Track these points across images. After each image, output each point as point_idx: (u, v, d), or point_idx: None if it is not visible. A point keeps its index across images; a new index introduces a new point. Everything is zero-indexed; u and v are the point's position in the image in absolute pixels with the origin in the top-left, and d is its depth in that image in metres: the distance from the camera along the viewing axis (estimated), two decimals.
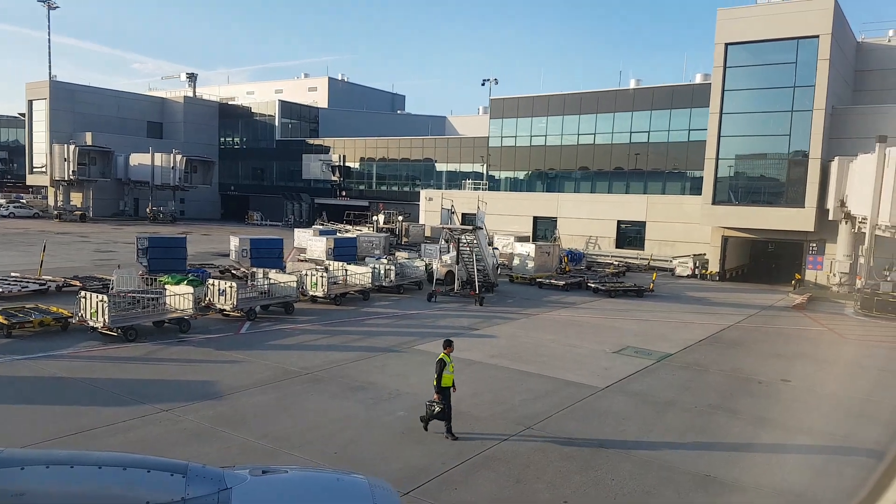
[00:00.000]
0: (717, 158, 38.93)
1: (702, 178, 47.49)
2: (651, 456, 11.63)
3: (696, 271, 39.89)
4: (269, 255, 29.49)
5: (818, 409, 15.11)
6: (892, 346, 22.54)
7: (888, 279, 29.08)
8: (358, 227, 51.64)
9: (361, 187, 74.60)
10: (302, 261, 33.86)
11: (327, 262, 29.15)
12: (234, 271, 29.59)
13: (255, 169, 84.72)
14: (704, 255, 41.02)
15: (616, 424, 13.29)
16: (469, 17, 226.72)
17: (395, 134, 75.71)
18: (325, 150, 75.70)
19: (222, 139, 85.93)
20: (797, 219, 36.49)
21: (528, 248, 33.52)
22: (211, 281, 21.19)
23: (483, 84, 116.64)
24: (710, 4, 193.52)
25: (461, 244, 27.38)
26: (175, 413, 12.61)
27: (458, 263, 27.71)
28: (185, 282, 20.14)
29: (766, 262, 46.91)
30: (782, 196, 37.76)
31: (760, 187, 39.04)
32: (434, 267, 29.96)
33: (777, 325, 25.41)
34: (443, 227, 28.43)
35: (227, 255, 39.49)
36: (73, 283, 24.37)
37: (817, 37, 35.21)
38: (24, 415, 12.50)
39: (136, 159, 69.47)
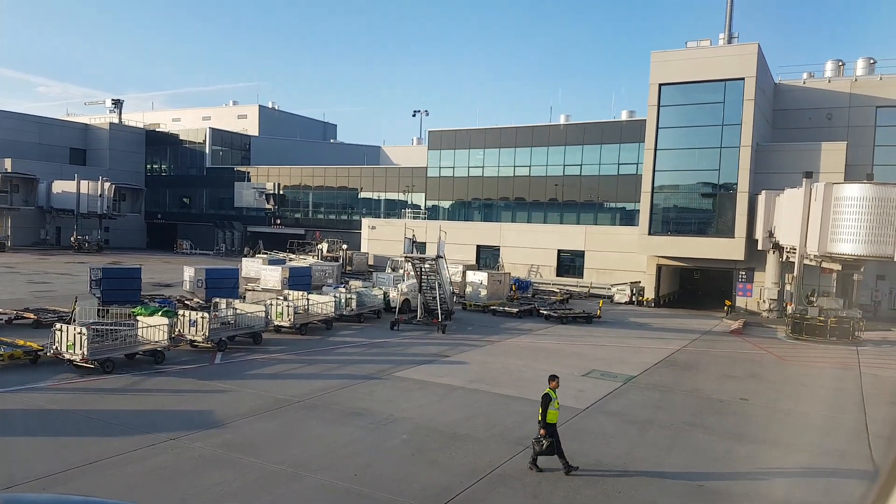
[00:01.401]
0: (653, 191, 41.32)
1: (632, 209, 50.43)
2: (647, 470, 12.45)
3: (634, 298, 41.88)
4: (224, 284, 29.03)
5: (780, 423, 16.42)
6: (825, 366, 24.54)
7: (815, 305, 31.58)
8: (302, 256, 51.18)
9: (297, 215, 73.87)
10: (250, 290, 33.31)
11: (286, 291, 28.94)
12: (187, 301, 28.90)
13: (184, 197, 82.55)
14: (640, 282, 43.14)
15: (605, 442, 14.09)
16: (399, 49, 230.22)
17: (328, 162, 75.83)
18: (259, 177, 74.75)
19: (149, 166, 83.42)
20: (728, 248, 39.09)
21: (482, 277, 34.40)
22: (181, 312, 20.78)
23: (414, 115, 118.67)
24: (636, 45, 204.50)
25: (423, 273, 27.87)
26: (182, 441, 12.48)
27: (419, 292, 28.15)
28: (160, 313, 19.68)
29: (693, 288, 49.84)
30: (713, 227, 40.41)
31: (693, 219, 41.67)
32: (392, 295, 30.24)
33: (721, 349, 27.13)
34: (405, 257, 28.85)
35: (169, 286, 38.52)
36: (27, 315, 23.23)
37: (743, 79, 38.31)
38: (32, 447, 12.24)
39: (60, 186, 66.38)
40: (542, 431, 11.71)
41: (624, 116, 57.32)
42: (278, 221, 73.38)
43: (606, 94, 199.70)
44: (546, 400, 11.79)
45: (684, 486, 11.71)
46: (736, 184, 39.28)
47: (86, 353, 16.40)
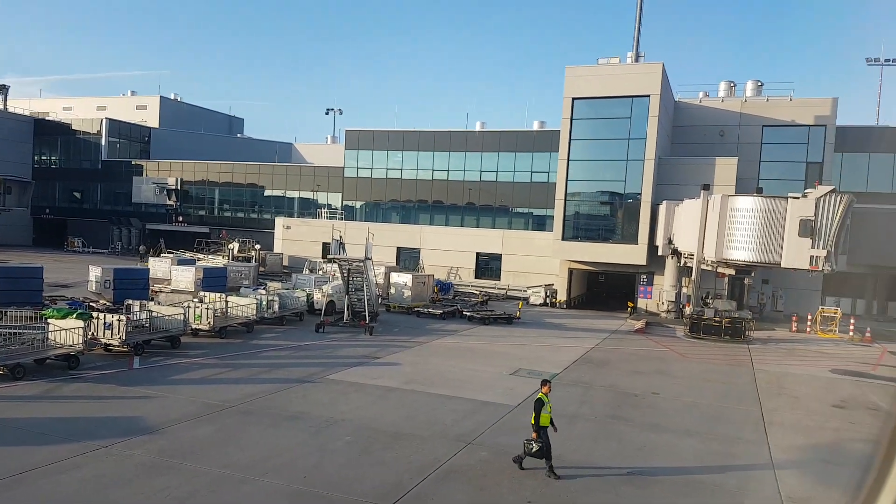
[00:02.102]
0: (566, 199, 43.17)
1: (543, 215, 52.41)
2: (581, 460, 13.28)
3: (548, 300, 43.55)
4: (133, 286, 27.70)
5: (689, 414, 17.79)
6: (722, 363, 26.60)
7: (710, 306, 34.12)
8: (211, 257, 49.42)
9: (201, 213, 71.01)
10: (158, 292, 31.90)
11: (202, 293, 27.99)
12: (92, 303, 27.36)
13: (76, 191, 77.53)
14: (553, 285, 44.92)
15: None
16: (310, 43, 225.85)
17: (236, 158, 73.52)
18: (160, 172, 71.39)
19: (37, 157, 77.68)
20: (632, 254, 41.46)
21: (406, 278, 34.69)
22: (96, 314, 19.77)
23: (327, 113, 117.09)
24: (549, 57, 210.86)
25: (351, 274, 27.84)
26: (117, 449, 12.06)
27: (346, 294, 28.09)
28: (74, 315, 18.60)
29: (598, 291, 52.38)
30: (620, 234, 42.72)
31: (602, 226, 43.85)
32: (316, 297, 29.97)
33: (628, 347, 28.82)
34: (332, 258, 28.64)
35: (67, 286, 36.26)
36: None
37: (648, 96, 40.77)
38: None
39: None
40: (534, 434, 12.09)
41: (536, 126, 59.40)
42: (180, 219, 70.33)
43: (519, 104, 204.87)
44: (539, 404, 12.24)
45: (616, 473, 12.62)
46: (640, 194, 41.71)
47: None
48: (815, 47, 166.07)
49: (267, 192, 67.70)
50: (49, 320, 18.17)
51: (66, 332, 17.67)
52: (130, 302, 22.92)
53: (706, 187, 33.77)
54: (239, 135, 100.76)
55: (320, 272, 42.85)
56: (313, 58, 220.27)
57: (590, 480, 12.18)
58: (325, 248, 55.15)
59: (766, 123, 45.79)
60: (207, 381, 18.14)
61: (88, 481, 10.52)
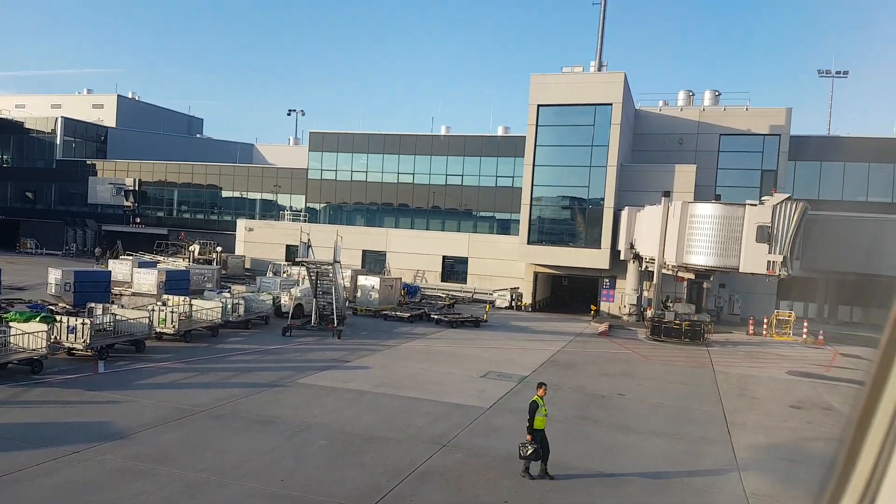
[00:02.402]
0: (531, 204, 43.73)
1: (508, 219, 52.96)
2: (553, 460, 13.45)
3: (513, 303, 44.01)
4: (94, 289, 27.10)
5: (655, 415, 18.28)
6: (684, 365, 27.34)
7: (671, 310, 34.99)
8: (171, 259, 48.45)
9: (160, 214, 69.63)
10: (118, 295, 31.21)
11: (166, 296, 27.49)
12: (51, 306, 26.63)
13: (28, 191, 75.18)
14: (518, 288, 45.41)
15: (513, 437, 14.93)
16: (272, 43, 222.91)
17: (196, 159, 72.18)
18: (118, 172, 69.74)
19: None
20: (595, 258, 42.21)
21: (373, 281, 34.66)
22: (60, 318, 19.30)
23: (289, 114, 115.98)
24: (514, 63, 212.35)
25: (320, 278, 27.71)
26: (88, 454, 11.85)
27: (315, 296, 27.94)
28: (37, 319, 18.10)
29: (561, 294, 53.15)
30: (583, 238, 43.45)
31: (566, 230, 44.55)
32: (284, 300, 29.72)
33: (593, 350, 29.37)
34: (300, 261, 28.43)
35: (23, 289, 35.17)
36: None
37: (610, 104, 41.62)
38: None
39: None
40: (528, 437, 12.16)
41: (500, 132, 59.96)
42: (138, 220, 68.77)
43: (484, 109, 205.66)
44: (533, 407, 12.36)
45: (588, 472, 12.93)
46: (603, 200, 42.51)
47: None
48: (771, 59, 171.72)
49: (228, 194, 66.70)
50: (11, 324, 17.65)
51: (29, 335, 17.20)
52: (93, 305, 22.41)
53: (667, 194, 34.66)
54: (198, 135, 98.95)
55: (285, 275, 42.48)
56: (275, 58, 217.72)
57: (563, 481, 12.43)
58: (289, 250, 54.73)
59: (724, 132, 47.12)
60: (176, 385, 17.88)
61: (61, 487, 10.34)
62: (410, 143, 57.10)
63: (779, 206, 26.77)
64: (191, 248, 51.49)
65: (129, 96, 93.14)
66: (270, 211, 63.76)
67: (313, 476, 11.78)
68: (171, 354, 21.70)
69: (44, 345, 17.24)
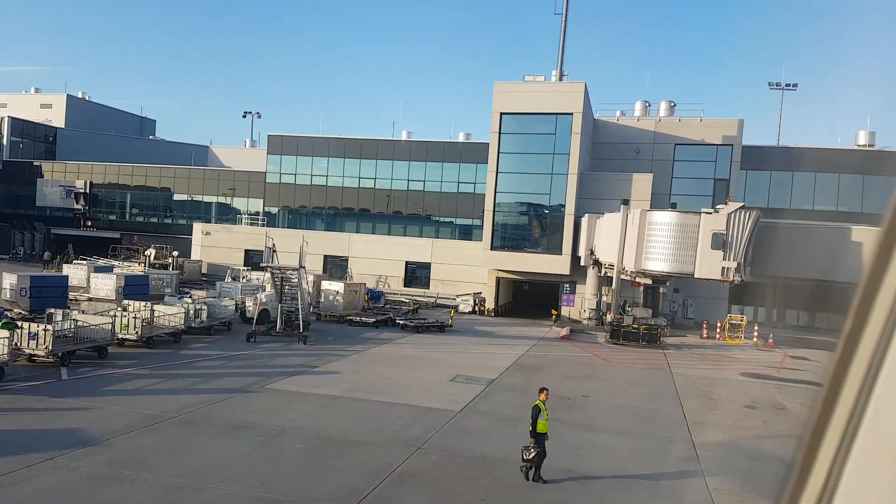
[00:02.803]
0: (495, 210, 44.31)
1: (470, 224, 53.52)
2: None
3: (476, 308, 44.47)
4: (51, 294, 26.40)
5: (619, 415, 18.89)
6: (643, 367, 28.14)
7: (629, 314, 35.97)
8: (127, 263, 47.30)
9: (112, 217, 67.96)
10: (76, 300, 30.40)
11: (126, 301, 26.94)
12: (6, 312, 25.81)
13: None
14: (481, 293, 45.90)
15: (485, 438, 15.41)
16: (226, 45, 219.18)
17: (149, 160, 70.72)
18: (68, 174, 67.75)
19: None
20: (557, 264, 43.00)
21: (338, 287, 34.59)
22: (21, 323, 18.81)
23: (245, 116, 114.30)
24: (475, 71, 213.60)
25: (285, 283, 27.57)
26: (62, 461, 11.69)
27: (280, 302, 27.77)
28: (0, 324, 17.61)
29: (522, 299, 53.91)
30: (545, 244, 44.23)
31: (528, 236, 45.26)
32: (248, 306, 29.44)
33: (556, 353, 29.98)
34: (267, 266, 28.22)
35: None
36: None
37: (571, 114, 42.55)
38: None
39: None
40: (531, 441, 12.37)
41: (461, 138, 60.51)
42: (89, 223, 66.91)
43: (444, 115, 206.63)
44: (536, 411, 12.55)
45: (556, 471, 13.31)
46: (564, 207, 43.36)
47: None
48: (725, 71, 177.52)
49: (182, 197, 65.48)
50: None
51: None
52: (53, 311, 21.88)
53: (626, 202, 35.66)
54: (151, 136, 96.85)
55: (244, 280, 42.00)
56: (229, 60, 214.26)
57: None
58: (248, 255, 54.04)
59: (678, 142, 48.62)
60: (143, 391, 17.64)
61: (39, 494, 10.22)
62: (372, 148, 57.08)
63: (733, 214, 27.90)
64: (146, 252, 50.33)
65: (80, 96, 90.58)
66: (227, 215, 62.84)
67: (292, 480, 11.86)
68: (135, 360, 21.34)
69: (5, 351, 16.80)
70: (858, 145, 51.95)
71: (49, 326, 18.89)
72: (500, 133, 44.00)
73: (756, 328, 36.70)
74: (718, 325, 37.54)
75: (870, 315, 1.07)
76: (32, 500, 10.09)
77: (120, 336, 22.93)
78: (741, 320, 36.81)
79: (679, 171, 48.85)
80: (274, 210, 60.09)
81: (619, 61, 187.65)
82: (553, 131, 43.56)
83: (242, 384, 19.09)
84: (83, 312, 22.87)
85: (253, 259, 53.57)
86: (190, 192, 64.94)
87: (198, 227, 56.66)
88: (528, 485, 12.42)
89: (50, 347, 18.64)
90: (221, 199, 64.07)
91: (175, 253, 52.78)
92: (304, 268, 28.39)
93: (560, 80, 48.15)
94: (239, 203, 62.94)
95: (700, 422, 18.43)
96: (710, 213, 29.52)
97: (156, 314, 25.57)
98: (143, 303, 26.47)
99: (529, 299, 53.58)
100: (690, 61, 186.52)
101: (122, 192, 67.12)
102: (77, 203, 66.30)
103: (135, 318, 23.18)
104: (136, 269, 43.66)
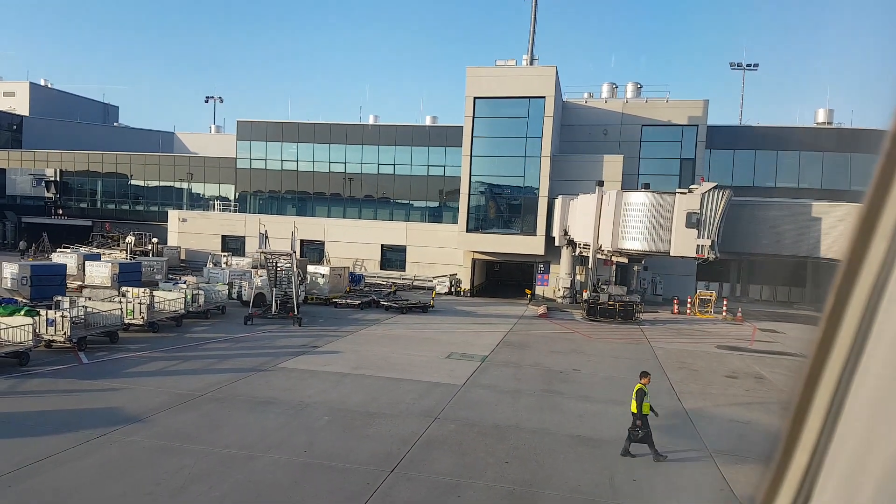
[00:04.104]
0: (469, 193, 45.47)
1: (441, 207, 54.66)
2: (535, 428, 15.27)
3: (452, 289, 45.74)
4: (50, 282, 26.75)
5: (610, 386, 20.37)
6: (623, 342, 29.79)
7: (605, 291, 37.68)
8: (107, 251, 47.12)
9: (83, 205, 67.12)
10: (80, 288, 30.66)
11: (125, 288, 27.34)
12: (19, 300, 26.06)
13: None
14: (456, 274, 47.17)
15: (492, 409, 16.71)
16: (184, 26, 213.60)
17: (115, 148, 70.05)
18: (37, 163, 66.49)
19: None
20: (531, 244, 44.48)
21: (323, 270, 35.44)
22: (41, 311, 19.39)
23: (207, 101, 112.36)
24: (445, 54, 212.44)
25: (279, 268, 28.35)
26: (115, 436, 12.58)
27: (275, 286, 28.56)
28: (22, 312, 18.11)
29: (494, 279, 55.45)
30: (519, 226, 45.64)
31: (503, 218, 46.61)
32: (245, 290, 30.16)
33: (538, 331, 31.45)
34: (261, 252, 28.90)
35: None
36: None
37: (543, 97, 43.77)
38: None
39: None
40: (638, 423, 13.18)
41: (428, 121, 61.19)
42: (60, 212, 65.93)
43: (410, 99, 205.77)
44: (640, 394, 13.43)
45: (568, 437, 14.72)
46: (537, 189, 44.75)
47: None
48: (688, 52, 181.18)
49: (153, 183, 64.98)
50: None
51: (13, 329, 17.30)
52: (60, 298, 22.36)
53: (601, 183, 37.15)
54: (115, 123, 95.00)
55: (224, 266, 42.41)
56: (189, 42, 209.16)
57: (551, 442, 14.16)
58: (225, 241, 54.17)
59: (645, 123, 50.29)
60: (164, 372, 18.43)
61: (106, 465, 11.11)
62: (341, 133, 57.51)
63: (707, 193, 29.64)
64: (127, 239, 50.11)
65: (42, 83, 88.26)
66: (198, 201, 62.69)
67: (330, 447, 12.98)
68: (145, 344, 22.04)
69: (30, 338, 17.39)
70: (818, 123, 54.41)
71: (66, 313, 19.45)
72: (473, 117, 44.99)
73: (725, 303, 38.85)
74: (689, 300, 39.57)
75: (853, 290, 1.07)
76: (103, 469, 10.99)
77: (126, 321, 23.56)
78: (710, 296, 38.89)
79: (646, 152, 50.55)
80: (245, 196, 60.13)
81: (584, 44, 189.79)
82: (526, 115, 44.72)
83: (255, 364, 20.01)
84: (89, 299, 23.35)
85: (229, 245, 53.86)
86: (161, 178, 64.45)
87: (174, 214, 56.49)
88: (546, 448, 13.76)
89: (68, 333, 19.24)
90: (192, 186, 63.75)
91: (155, 240, 52.70)
92: (296, 252, 29.18)
93: (531, 64, 49.31)
94: (210, 189, 62.77)
95: (687, 392, 20.04)
96: (685, 193, 31.21)
97: (158, 300, 26.17)
98: (142, 289, 26.96)
99: (500, 279, 55.14)
100: (655, 42, 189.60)
101: (93, 180, 66.30)
102: (48, 191, 65.29)
103: (140, 303, 23.77)
104: (118, 256, 43.64)
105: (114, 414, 14.04)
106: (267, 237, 29.24)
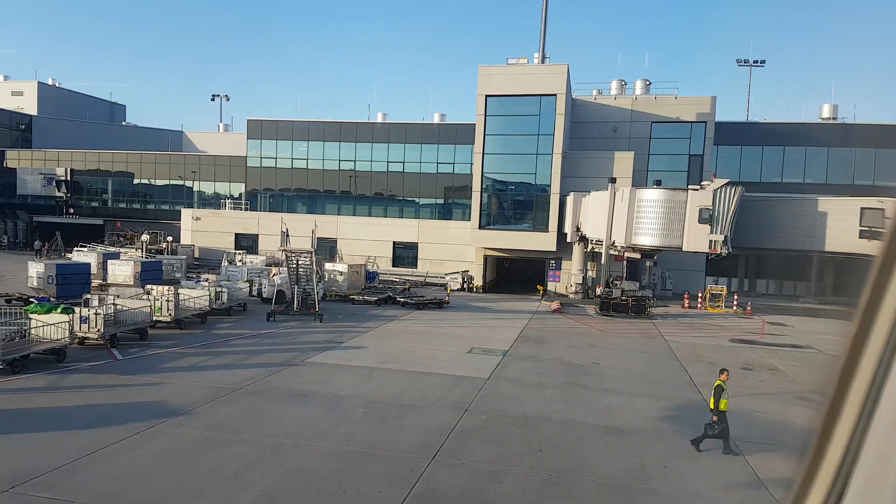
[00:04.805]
0: (482, 191, 45.91)
1: (451, 205, 55.09)
2: (563, 419, 15.73)
3: (465, 285, 46.24)
4: (76, 280, 27.34)
5: (632, 379, 20.82)
6: (637, 336, 30.23)
7: (618, 287, 38.10)
8: (124, 249, 47.73)
9: (94, 204, 67.75)
10: (106, 286, 31.21)
11: (150, 286, 27.85)
12: (32, 298, 26.64)
13: None
14: (468, 271, 47.64)
15: (520, 401, 17.18)
16: (193, 24, 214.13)
17: (124, 147, 70.75)
18: (47, 162, 67.11)
19: None
20: (543, 241, 44.92)
21: (341, 268, 35.96)
22: (76, 308, 19.92)
23: (213, 99, 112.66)
24: (455, 51, 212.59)
25: (300, 266, 28.84)
26: (164, 428, 13.08)
27: (296, 284, 29.07)
28: (58, 310, 18.63)
29: (504, 275, 55.96)
30: (532, 222, 46.08)
31: (515, 215, 47.05)
32: (265, 287, 30.68)
33: (554, 325, 31.92)
34: (282, 250, 29.43)
35: None
36: None
37: (555, 95, 44.17)
38: (10, 444, 11.88)
39: None
40: (714, 418, 13.25)
41: (437, 119, 61.59)
42: (72, 211, 66.57)
43: (419, 96, 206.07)
44: (719, 391, 13.54)
45: (596, 427, 15.18)
46: (549, 186, 45.18)
47: None
48: (696, 48, 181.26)
49: (163, 182, 65.53)
50: (31, 315, 18.18)
51: (51, 326, 17.82)
52: (88, 296, 22.82)
53: (613, 180, 37.53)
54: (123, 122, 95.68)
55: (239, 263, 42.99)
56: (195, 41, 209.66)
57: (579, 432, 14.63)
58: (238, 239, 54.70)
59: (654, 120, 50.65)
60: (199, 367, 18.95)
61: (163, 454, 11.62)
62: (350, 131, 57.96)
63: (719, 190, 30.02)
64: (142, 238, 50.70)
65: (50, 82, 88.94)
66: (209, 200, 63.24)
67: (371, 436, 13.47)
68: (174, 341, 22.56)
69: (67, 335, 17.91)
70: (823, 119, 54.73)
71: (100, 310, 19.97)
72: (485, 115, 45.42)
73: (736, 297, 39.25)
74: (700, 295, 39.97)
75: (889, 285, 1.04)
76: (159, 459, 11.50)
77: (154, 318, 24.11)
78: (721, 290, 39.28)
79: (655, 149, 50.93)
80: (256, 194, 60.65)
81: (593, 41, 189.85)
82: (537, 112, 45.13)
83: (284, 359, 20.51)
84: (118, 297, 23.86)
85: (242, 242, 54.40)
86: (171, 177, 64.99)
87: (187, 213, 57.07)
88: (576, 437, 14.23)
89: (101, 330, 19.76)
90: (201, 185, 64.27)
91: (169, 238, 53.31)
92: (315, 250, 29.68)
93: (542, 62, 49.70)
94: (220, 188, 63.30)
95: (706, 383, 20.33)
96: (697, 190, 31.58)
97: (183, 297, 26.68)
98: (166, 287, 27.47)
99: (510, 276, 55.63)
100: (664, 40, 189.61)
101: (103, 179, 66.89)
102: (59, 191, 65.88)
103: (168, 301, 24.30)
104: (134, 254, 44.19)
105: (158, 407, 14.54)
106: (288, 235, 29.73)
